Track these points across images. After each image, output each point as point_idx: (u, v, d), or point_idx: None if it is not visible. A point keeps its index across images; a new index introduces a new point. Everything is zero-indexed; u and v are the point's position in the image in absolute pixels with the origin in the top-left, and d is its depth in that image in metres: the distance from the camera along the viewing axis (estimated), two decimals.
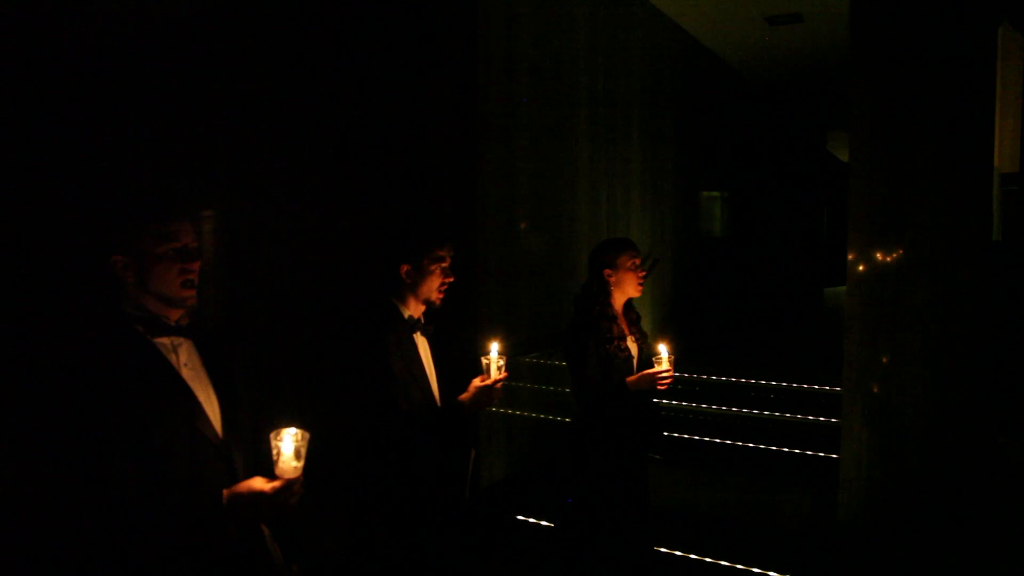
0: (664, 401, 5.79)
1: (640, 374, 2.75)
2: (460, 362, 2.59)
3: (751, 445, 5.13)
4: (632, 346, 2.87)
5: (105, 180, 2.61)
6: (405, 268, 2.35)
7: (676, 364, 2.74)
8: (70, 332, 1.61)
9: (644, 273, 2.87)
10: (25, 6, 2.41)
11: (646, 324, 3.15)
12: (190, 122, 3.05)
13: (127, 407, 1.52)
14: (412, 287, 2.37)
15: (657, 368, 2.67)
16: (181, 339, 1.68)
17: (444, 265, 2.38)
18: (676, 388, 6.14)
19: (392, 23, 4.26)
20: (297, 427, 1.62)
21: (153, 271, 1.62)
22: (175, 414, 1.61)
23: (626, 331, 2.87)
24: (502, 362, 2.38)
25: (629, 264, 2.82)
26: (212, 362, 1.74)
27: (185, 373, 1.66)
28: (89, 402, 1.50)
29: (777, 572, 3.50)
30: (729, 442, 5.23)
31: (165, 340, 1.65)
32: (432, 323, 2.46)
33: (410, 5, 4.37)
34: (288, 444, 1.60)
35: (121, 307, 1.63)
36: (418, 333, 2.40)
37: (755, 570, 3.53)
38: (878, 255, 3.80)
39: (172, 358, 1.65)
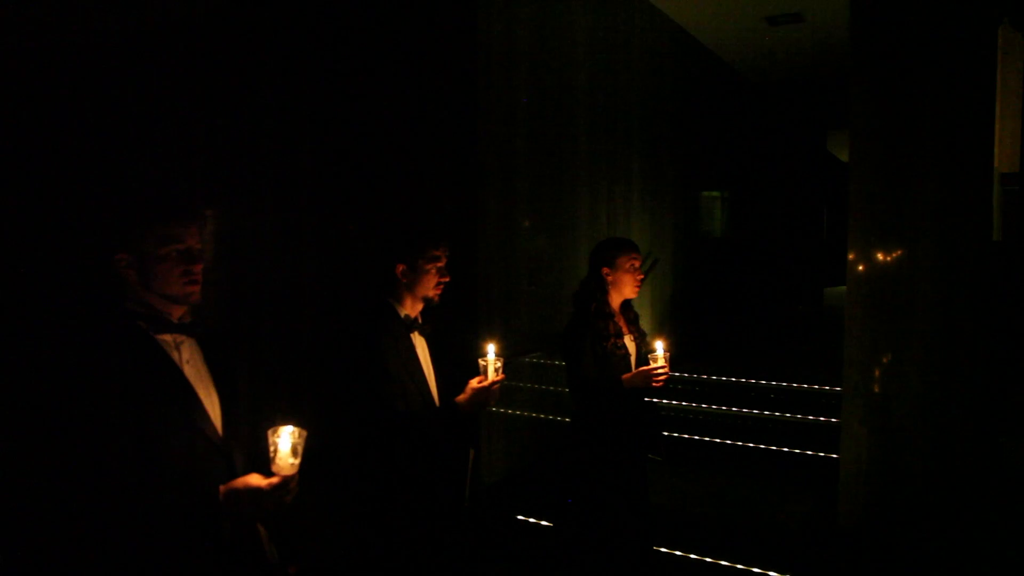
0: (664, 401, 5.79)
1: (635, 371, 2.75)
2: (459, 362, 2.59)
3: (751, 445, 5.13)
4: (630, 344, 2.87)
5: (111, 180, 2.62)
6: (401, 268, 2.35)
7: (674, 363, 2.74)
8: (74, 327, 1.62)
9: (642, 276, 2.88)
10: (29, 7, 2.41)
11: (646, 324, 3.16)
12: (190, 122, 3.06)
13: (128, 402, 1.53)
14: (408, 287, 2.37)
15: (652, 365, 2.67)
16: (183, 337, 1.69)
17: (440, 265, 2.38)
18: (676, 388, 6.15)
19: (392, 23, 4.26)
20: (295, 424, 1.62)
21: (156, 271, 1.63)
22: (176, 411, 1.61)
23: (624, 329, 2.87)
24: (499, 364, 2.37)
25: (628, 265, 2.82)
26: (213, 360, 1.75)
27: (187, 370, 1.66)
28: (90, 397, 1.51)
29: (777, 572, 3.50)
30: (729, 442, 5.24)
31: (167, 337, 1.66)
32: (430, 323, 2.45)
33: (410, 5, 4.37)
34: (285, 441, 1.60)
35: (124, 304, 1.64)
36: (416, 333, 2.39)
37: (755, 570, 3.53)
38: (878, 255, 3.79)
39: (174, 355, 1.65)
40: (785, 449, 5.05)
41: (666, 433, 5.11)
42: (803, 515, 4.22)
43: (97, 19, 2.62)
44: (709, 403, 5.74)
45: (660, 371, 2.67)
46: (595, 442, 2.80)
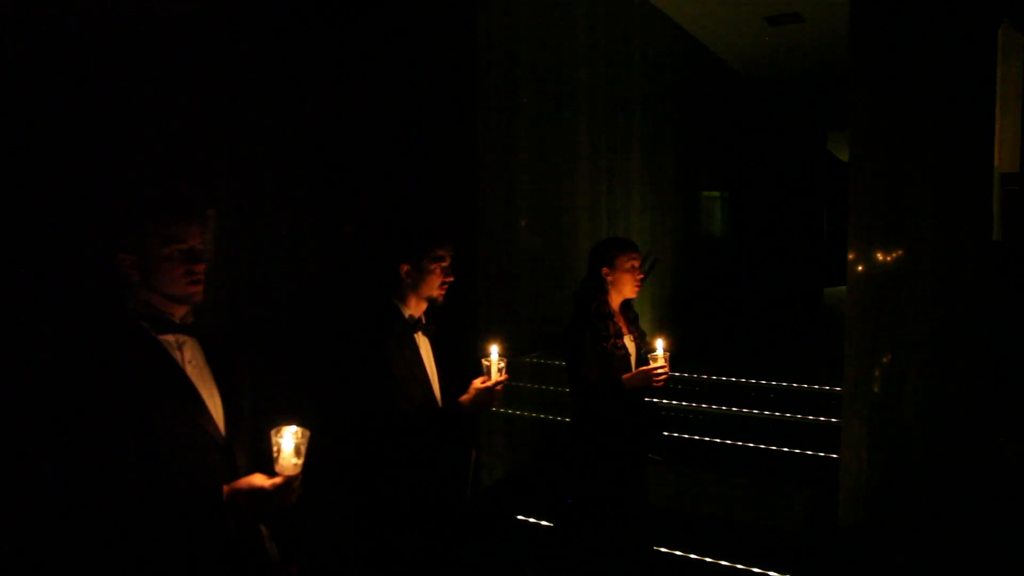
0: (664, 401, 5.79)
1: (636, 371, 2.75)
2: (461, 362, 2.59)
3: (751, 445, 5.14)
4: (630, 344, 2.87)
5: (113, 179, 2.62)
6: (405, 268, 2.36)
7: (674, 363, 2.74)
8: (76, 327, 1.62)
9: (642, 275, 2.88)
10: (29, 7, 2.41)
11: (646, 324, 3.16)
12: (192, 121, 3.06)
13: (131, 402, 1.53)
14: (412, 287, 2.37)
15: (653, 365, 2.67)
16: (185, 337, 1.69)
17: (444, 264, 2.38)
18: (676, 388, 6.16)
19: (392, 23, 4.26)
20: (298, 425, 1.62)
21: (158, 271, 1.63)
22: (178, 410, 1.61)
23: (624, 329, 2.87)
24: (503, 364, 2.38)
25: (627, 265, 2.82)
26: (216, 360, 1.75)
27: (189, 370, 1.66)
28: (93, 397, 1.51)
29: (777, 572, 3.50)
30: (729, 442, 5.24)
31: (170, 337, 1.66)
32: (433, 323, 2.46)
33: (410, 5, 4.37)
34: (288, 441, 1.61)
35: (127, 304, 1.64)
36: (419, 333, 2.40)
37: (755, 570, 3.53)
38: (878, 255, 3.80)
39: (176, 355, 1.65)
40: (785, 449, 5.05)
41: (666, 433, 5.11)
42: (803, 515, 4.22)
43: (97, 18, 2.62)
44: (709, 403, 5.74)
45: (660, 371, 2.67)
46: (595, 442, 2.80)
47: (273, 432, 1.62)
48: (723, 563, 3.61)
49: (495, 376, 2.37)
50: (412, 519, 2.32)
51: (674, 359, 2.78)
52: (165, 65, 2.90)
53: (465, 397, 2.39)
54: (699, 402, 5.79)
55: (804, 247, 11.45)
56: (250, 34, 3.36)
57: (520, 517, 4.23)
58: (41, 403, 1.55)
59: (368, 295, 2.52)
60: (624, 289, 2.86)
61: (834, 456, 4.24)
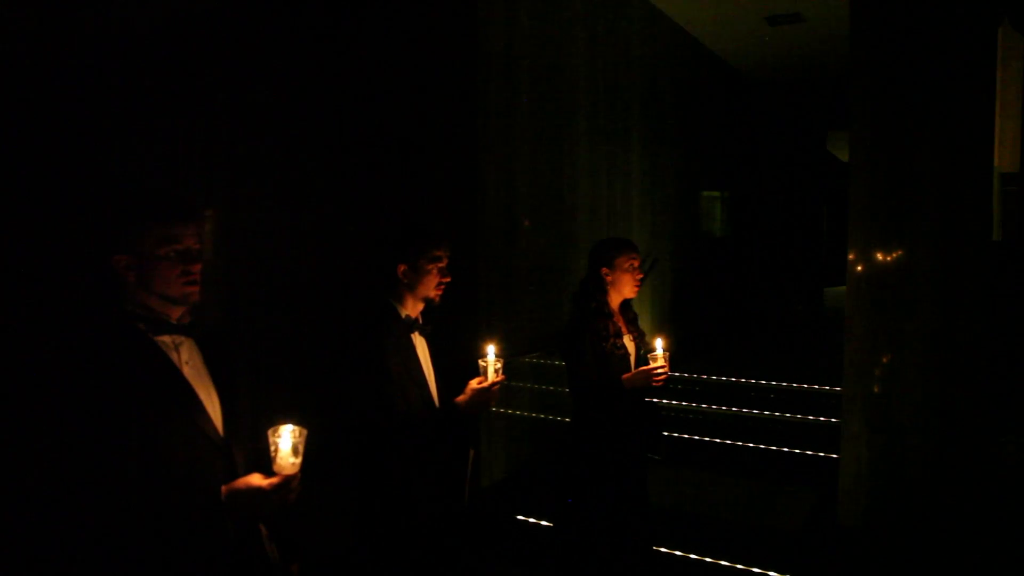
0: (664, 401, 5.80)
1: (636, 371, 2.75)
2: (460, 363, 2.59)
3: (751, 445, 5.14)
4: (629, 344, 2.87)
5: (110, 180, 2.62)
6: (402, 268, 2.35)
7: (674, 363, 2.73)
8: (73, 329, 1.61)
9: (641, 275, 2.88)
10: (29, 7, 2.41)
11: (646, 324, 3.16)
12: (190, 122, 3.06)
13: (128, 404, 1.52)
14: (409, 287, 2.37)
15: (652, 364, 2.67)
16: (182, 337, 1.68)
17: (441, 265, 2.38)
18: (676, 388, 6.16)
19: (392, 23, 4.26)
20: (295, 424, 1.62)
21: (155, 272, 1.62)
22: (176, 411, 1.61)
23: (623, 329, 2.87)
24: (499, 364, 2.37)
25: (627, 265, 2.82)
26: (213, 361, 1.74)
27: (186, 371, 1.66)
28: (91, 399, 1.50)
29: (777, 572, 3.50)
30: (729, 442, 5.24)
31: (167, 338, 1.65)
32: (430, 323, 2.45)
33: (410, 5, 4.37)
34: (286, 440, 1.60)
35: (123, 305, 1.63)
36: (416, 333, 2.39)
37: (755, 570, 3.53)
38: (878, 255, 3.80)
39: (173, 356, 1.65)
40: (785, 449, 5.05)
41: (666, 433, 5.11)
42: (803, 515, 4.22)
43: (96, 18, 2.62)
44: (709, 403, 5.75)
45: (660, 370, 2.66)
46: (595, 442, 2.80)
47: (270, 431, 1.61)
48: (723, 563, 3.60)
49: (491, 377, 2.36)
50: (410, 519, 2.31)
51: (674, 359, 2.77)
52: (164, 66, 2.90)
53: (461, 398, 2.39)
54: (699, 402, 5.79)
55: (804, 247, 11.44)
56: (250, 35, 3.36)
57: (520, 517, 4.23)
58: (38, 405, 1.55)
59: (365, 295, 2.52)
60: (623, 289, 2.85)
61: (834, 456, 4.23)
